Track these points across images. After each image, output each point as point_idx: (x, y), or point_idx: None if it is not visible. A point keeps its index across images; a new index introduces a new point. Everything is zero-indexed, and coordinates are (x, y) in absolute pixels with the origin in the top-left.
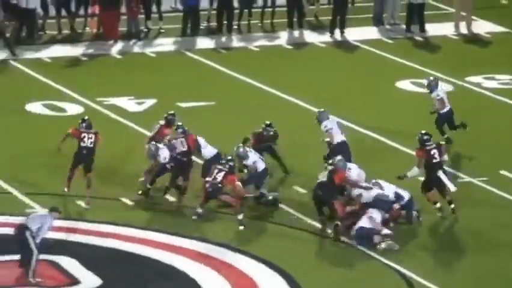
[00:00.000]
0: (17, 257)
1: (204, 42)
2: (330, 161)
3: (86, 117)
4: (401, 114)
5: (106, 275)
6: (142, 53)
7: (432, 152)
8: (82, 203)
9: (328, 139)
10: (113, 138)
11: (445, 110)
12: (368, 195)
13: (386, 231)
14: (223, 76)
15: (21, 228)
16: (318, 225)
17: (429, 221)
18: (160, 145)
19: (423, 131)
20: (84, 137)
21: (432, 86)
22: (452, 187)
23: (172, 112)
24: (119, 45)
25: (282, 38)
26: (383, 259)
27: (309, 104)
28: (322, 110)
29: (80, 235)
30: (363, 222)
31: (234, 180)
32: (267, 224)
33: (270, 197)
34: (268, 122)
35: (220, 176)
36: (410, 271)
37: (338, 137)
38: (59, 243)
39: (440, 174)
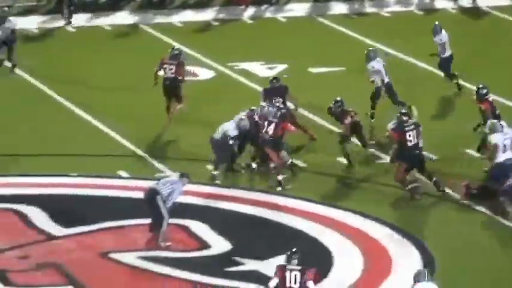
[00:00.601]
0: (147, 221)
1: (336, 8)
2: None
3: (175, 47)
4: None
5: (236, 239)
6: (274, 18)
7: (493, 103)
8: (211, 167)
9: (373, 79)
10: (244, 103)
11: (447, 54)
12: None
13: None
14: (354, 41)
15: (152, 193)
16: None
17: None
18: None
19: (480, 85)
20: (165, 68)
21: (436, 31)
22: None
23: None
24: (250, 10)
25: (413, 3)
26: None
27: (440, 70)
28: (372, 48)
29: (211, 200)
30: None
31: (286, 127)
32: (390, 188)
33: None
34: (338, 99)
35: (271, 129)
36: None
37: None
38: (190, 208)
39: (502, 122)
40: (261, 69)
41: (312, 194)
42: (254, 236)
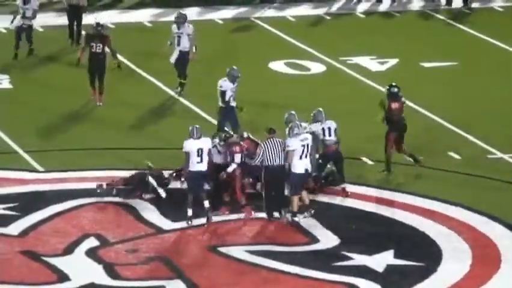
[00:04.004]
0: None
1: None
2: None
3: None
4: None
5: (344, 234)
6: (387, 13)
7: None
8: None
9: None
10: (356, 97)
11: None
12: None
13: None
14: (467, 36)
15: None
16: None
17: None
18: None
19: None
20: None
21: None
22: None
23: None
24: (363, 5)
25: None
26: None
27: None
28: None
29: (320, 194)
30: None
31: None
32: (497, 183)
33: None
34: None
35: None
36: None
37: None
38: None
39: None
40: (373, 64)
41: (420, 188)
42: (362, 231)
